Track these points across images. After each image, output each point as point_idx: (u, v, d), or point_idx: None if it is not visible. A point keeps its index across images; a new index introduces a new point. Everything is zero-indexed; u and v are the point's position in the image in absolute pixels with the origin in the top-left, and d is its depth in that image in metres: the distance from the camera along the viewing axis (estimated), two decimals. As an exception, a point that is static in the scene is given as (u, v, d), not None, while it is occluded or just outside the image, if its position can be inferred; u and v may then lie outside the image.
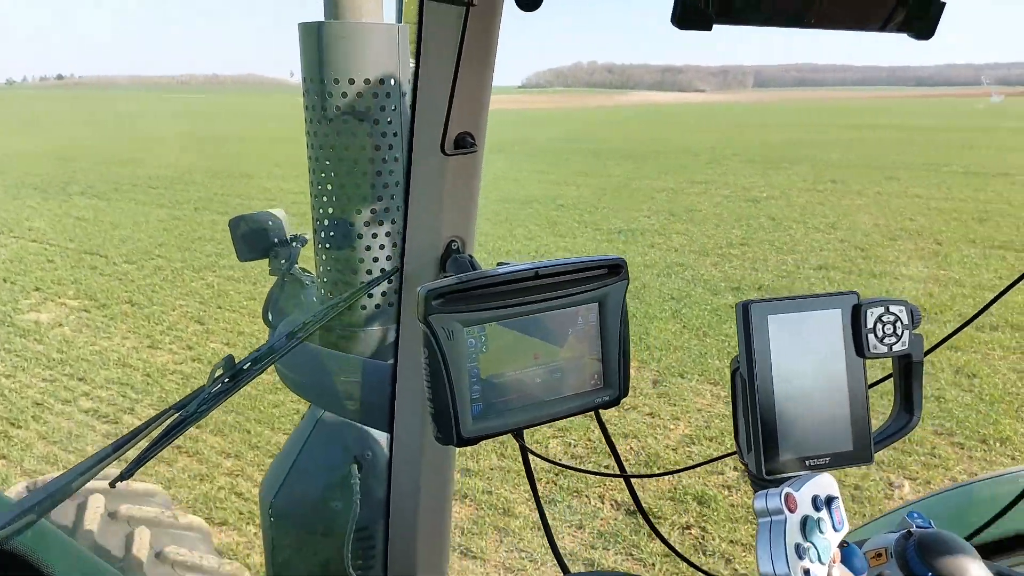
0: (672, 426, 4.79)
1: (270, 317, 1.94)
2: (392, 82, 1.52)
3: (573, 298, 1.01)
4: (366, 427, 1.63)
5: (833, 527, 0.76)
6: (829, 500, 0.77)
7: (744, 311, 0.88)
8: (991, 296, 1.11)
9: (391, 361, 1.39)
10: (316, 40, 1.54)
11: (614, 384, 1.06)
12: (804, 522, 0.73)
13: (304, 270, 1.96)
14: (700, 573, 1.05)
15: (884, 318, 0.89)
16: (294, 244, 1.93)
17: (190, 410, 0.87)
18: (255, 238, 1.86)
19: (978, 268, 8.46)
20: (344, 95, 1.51)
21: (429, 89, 1.12)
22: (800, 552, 0.71)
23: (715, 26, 0.81)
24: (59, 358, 6.02)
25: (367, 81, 1.51)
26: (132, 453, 0.88)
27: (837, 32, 0.85)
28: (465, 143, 1.13)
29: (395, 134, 1.54)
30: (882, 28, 0.85)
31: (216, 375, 0.95)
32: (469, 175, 1.18)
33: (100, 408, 5.15)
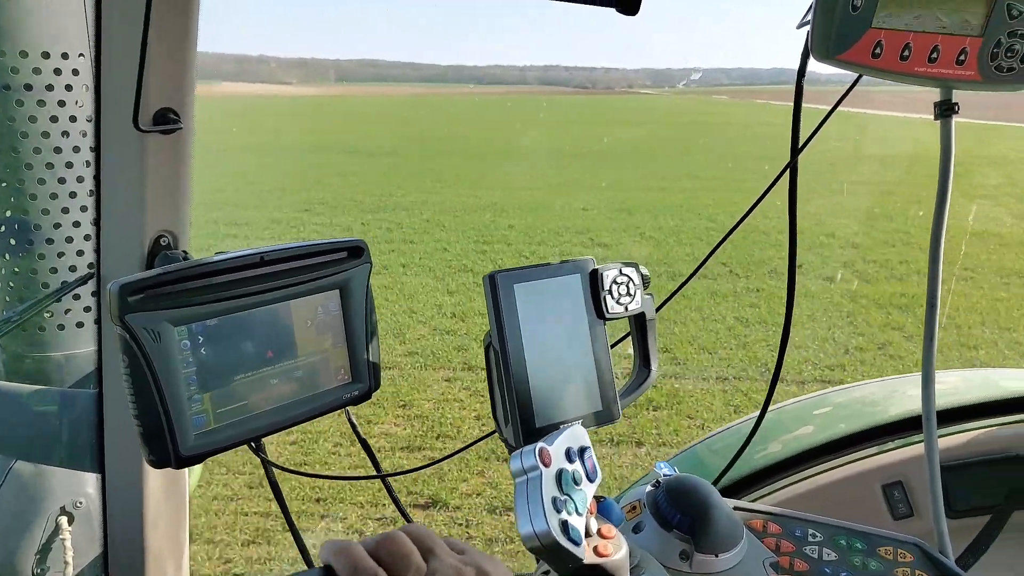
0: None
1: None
2: (81, 55, 1.28)
3: (310, 285, 0.92)
4: (75, 470, 1.35)
5: (588, 477, 0.76)
6: (582, 451, 0.77)
7: (491, 282, 0.85)
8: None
9: (96, 389, 1.17)
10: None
11: (364, 377, 0.98)
12: (559, 475, 0.72)
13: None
14: None
15: (618, 279, 0.91)
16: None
17: None
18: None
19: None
20: (14, 70, 1.24)
21: (114, 55, 0.94)
22: (557, 505, 0.70)
23: None
24: None
25: (46, 54, 1.26)
26: None
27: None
28: (167, 119, 0.97)
29: (89, 118, 1.30)
30: (592, 2, 0.87)
31: None
32: (176, 159, 1.02)
33: None
